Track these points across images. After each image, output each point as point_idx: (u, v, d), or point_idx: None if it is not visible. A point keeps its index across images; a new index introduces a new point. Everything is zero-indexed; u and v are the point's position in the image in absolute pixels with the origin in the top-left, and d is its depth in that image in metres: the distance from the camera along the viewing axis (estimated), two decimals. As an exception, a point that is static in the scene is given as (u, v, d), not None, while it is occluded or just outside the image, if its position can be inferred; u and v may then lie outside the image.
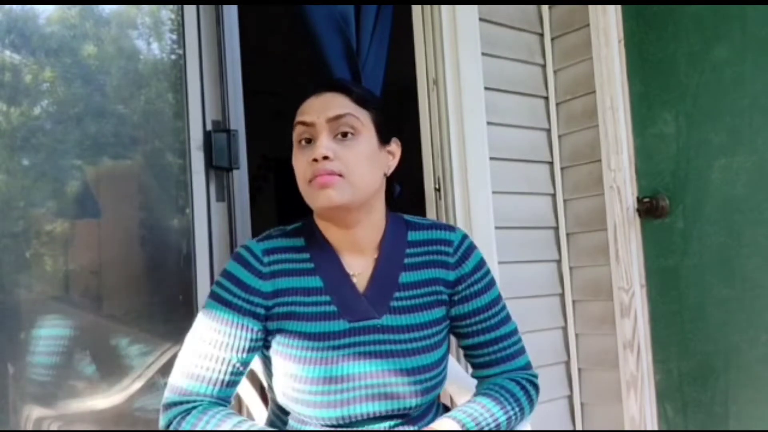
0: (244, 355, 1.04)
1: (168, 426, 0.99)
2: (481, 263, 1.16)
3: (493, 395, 1.09)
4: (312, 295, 1.07)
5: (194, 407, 0.99)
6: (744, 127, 1.73)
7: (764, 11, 1.69)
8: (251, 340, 1.04)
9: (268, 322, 1.06)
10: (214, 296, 1.06)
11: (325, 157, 1.01)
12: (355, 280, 1.09)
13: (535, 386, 1.15)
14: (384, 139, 1.10)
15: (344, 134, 1.03)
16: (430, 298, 1.11)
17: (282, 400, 1.06)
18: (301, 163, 1.05)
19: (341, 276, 1.09)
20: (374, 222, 1.11)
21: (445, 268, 1.12)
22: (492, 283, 1.16)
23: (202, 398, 1.00)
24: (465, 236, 1.16)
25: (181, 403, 1.00)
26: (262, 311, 1.06)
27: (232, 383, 1.04)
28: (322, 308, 1.06)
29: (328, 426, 1.04)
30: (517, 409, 1.09)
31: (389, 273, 1.10)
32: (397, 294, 1.09)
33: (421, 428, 1.09)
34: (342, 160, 1.02)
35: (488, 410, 1.06)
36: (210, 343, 1.02)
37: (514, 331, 1.16)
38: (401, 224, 1.15)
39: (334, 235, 1.10)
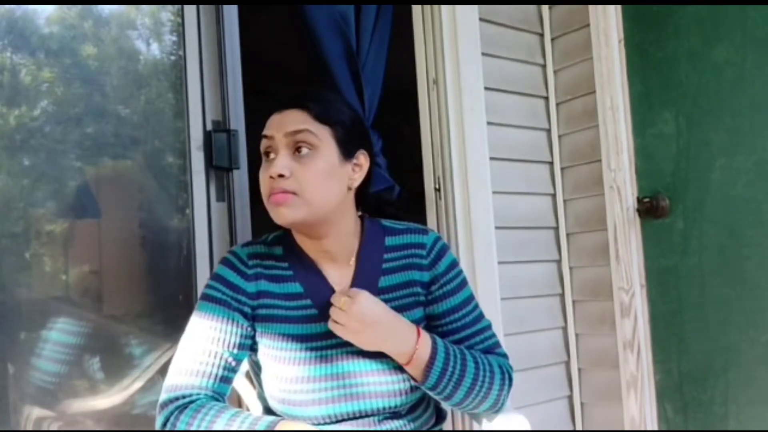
0: (235, 350, 1.06)
1: (165, 423, 0.99)
2: (453, 264, 1.19)
3: (470, 351, 1.12)
4: (292, 299, 1.11)
5: (191, 401, 1.00)
6: (744, 127, 1.73)
7: (764, 11, 1.69)
8: (241, 335, 1.07)
9: (256, 323, 1.10)
10: (203, 297, 1.10)
11: (281, 175, 1.04)
12: (335, 284, 1.12)
13: (510, 376, 1.16)
14: (347, 154, 1.09)
15: (300, 149, 1.05)
16: (409, 300, 1.14)
17: (272, 404, 1.09)
18: (263, 178, 1.08)
19: (319, 281, 1.12)
20: (344, 232, 1.13)
21: (420, 269, 1.15)
22: (464, 283, 1.19)
23: (198, 391, 1.01)
24: (437, 238, 1.19)
25: (177, 398, 1.00)
26: (248, 310, 1.09)
27: (226, 379, 1.05)
28: (303, 312, 1.10)
29: (319, 423, 1.05)
30: (488, 372, 1.11)
31: (368, 278, 1.13)
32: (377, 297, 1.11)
33: (413, 425, 1.11)
34: (297, 177, 1.04)
35: (462, 351, 1.10)
36: (202, 339, 1.05)
37: (488, 327, 1.19)
38: (379, 230, 1.18)
39: (307, 246, 1.14)
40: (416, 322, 1.12)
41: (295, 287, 1.11)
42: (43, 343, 1.42)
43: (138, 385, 1.51)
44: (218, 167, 1.60)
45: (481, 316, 1.19)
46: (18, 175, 1.40)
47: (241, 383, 1.29)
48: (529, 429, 1.20)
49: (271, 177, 1.05)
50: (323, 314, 1.08)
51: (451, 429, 1.88)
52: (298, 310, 1.10)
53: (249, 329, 1.08)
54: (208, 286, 1.11)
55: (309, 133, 1.05)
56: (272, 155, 1.07)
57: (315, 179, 1.05)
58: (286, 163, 1.04)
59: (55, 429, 1.40)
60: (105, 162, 1.52)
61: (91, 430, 1.44)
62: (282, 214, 1.05)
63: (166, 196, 1.60)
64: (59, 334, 1.44)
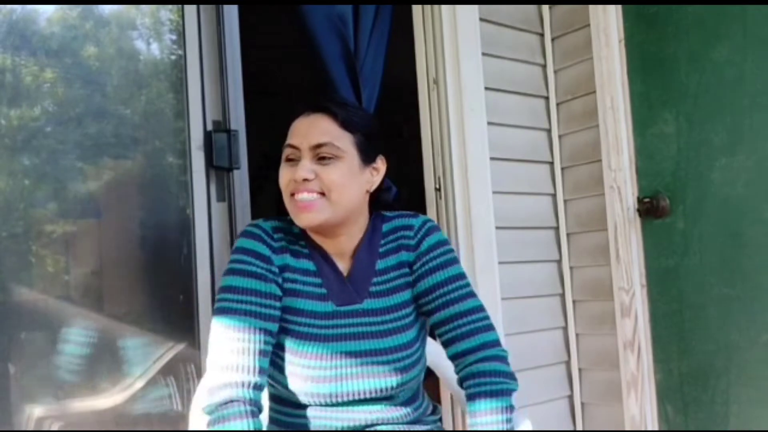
0: (275, 323, 1.10)
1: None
2: (440, 243, 1.21)
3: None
4: (307, 275, 1.16)
5: (234, 413, 1.00)
6: (744, 127, 1.73)
7: (765, 11, 1.69)
8: (277, 308, 1.11)
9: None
10: (235, 272, 1.11)
11: (306, 180, 1.09)
12: (342, 271, 1.19)
13: (506, 360, 1.15)
14: (366, 160, 1.15)
15: (324, 158, 1.10)
16: (401, 281, 1.19)
17: (278, 377, 1.11)
18: (285, 179, 1.13)
19: (330, 263, 1.18)
20: (356, 232, 1.19)
21: (407, 250, 1.20)
22: (451, 262, 1.20)
23: (243, 392, 1.02)
24: (426, 221, 1.23)
25: (221, 405, 1.02)
26: (280, 280, 1.14)
27: (267, 353, 1.08)
28: (315, 289, 1.16)
29: (320, 403, 1.09)
30: (510, 414, 1.12)
31: (368, 261, 1.19)
32: (375, 279, 1.18)
33: (415, 413, 1.16)
34: (321, 179, 1.09)
35: None
36: (244, 314, 1.07)
37: (480, 308, 1.18)
38: (378, 220, 1.23)
39: (319, 240, 1.19)
40: (404, 304, 1.18)
41: (310, 265, 1.17)
42: (43, 342, 1.42)
43: (139, 384, 1.51)
44: (218, 167, 1.61)
45: (469, 295, 1.18)
46: (19, 176, 1.40)
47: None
48: (529, 429, 1.21)
49: (295, 180, 1.10)
50: (330, 294, 1.15)
51: (451, 429, 1.88)
52: (309, 286, 1.15)
53: (281, 300, 1.12)
54: (237, 261, 1.12)
55: (333, 147, 1.10)
56: (296, 161, 1.12)
57: (339, 181, 1.10)
58: (311, 168, 1.10)
59: (56, 429, 1.40)
60: (105, 162, 1.53)
61: (91, 430, 1.44)
62: (308, 219, 1.10)
63: (166, 196, 1.60)
64: (59, 334, 1.44)
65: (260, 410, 1.05)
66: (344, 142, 1.12)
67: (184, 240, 1.59)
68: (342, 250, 1.19)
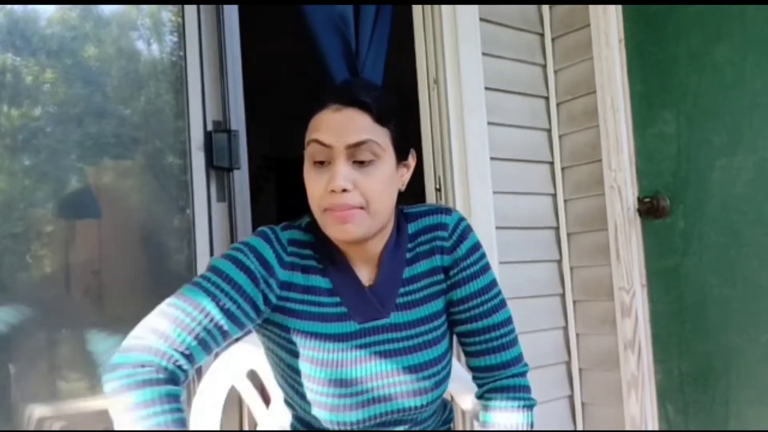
0: (234, 325, 0.94)
1: (110, 391, 0.87)
2: (476, 246, 1.09)
3: None
4: (322, 295, 1.03)
5: (146, 380, 0.85)
6: (744, 127, 1.73)
7: (765, 11, 1.69)
8: (250, 318, 0.97)
9: (275, 313, 1.01)
10: (229, 258, 0.97)
11: (344, 190, 0.94)
12: (364, 281, 1.06)
13: (527, 387, 1.13)
14: (401, 156, 1.02)
15: (362, 161, 0.96)
16: (433, 289, 1.08)
17: (299, 403, 1.03)
18: (316, 188, 0.97)
19: (350, 276, 1.05)
20: (384, 236, 1.05)
21: (442, 253, 1.07)
22: (486, 268, 1.10)
23: (160, 359, 0.88)
24: (461, 219, 1.10)
25: (132, 365, 0.87)
26: (273, 298, 0.99)
27: (204, 345, 0.92)
28: (332, 309, 1.03)
29: (346, 430, 1.01)
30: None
31: (394, 269, 1.06)
32: (402, 290, 1.06)
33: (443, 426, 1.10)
34: (361, 189, 0.95)
35: None
36: (211, 298, 0.93)
37: (507, 320, 1.11)
38: (401, 218, 1.09)
39: (342, 246, 1.04)
40: (436, 314, 1.07)
41: (325, 282, 1.03)
42: (44, 343, 1.42)
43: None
44: (219, 167, 1.61)
45: (499, 306, 1.10)
46: (19, 175, 1.40)
47: (242, 384, 1.28)
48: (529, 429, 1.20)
49: (332, 191, 0.94)
50: (353, 312, 1.03)
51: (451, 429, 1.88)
52: (326, 306, 1.02)
53: (259, 315, 0.98)
54: (237, 249, 0.98)
55: (373, 143, 0.95)
56: (326, 163, 0.96)
57: (380, 190, 0.96)
58: (349, 175, 0.94)
59: (56, 429, 1.40)
60: (106, 162, 1.53)
61: (91, 430, 1.44)
62: (347, 231, 0.96)
63: (166, 196, 1.60)
64: (59, 334, 1.44)
65: (178, 384, 0.88)
66: (383, 138, 0.97)
67: (184, 240, 1.59)
68: (367, 256, 1.04)
